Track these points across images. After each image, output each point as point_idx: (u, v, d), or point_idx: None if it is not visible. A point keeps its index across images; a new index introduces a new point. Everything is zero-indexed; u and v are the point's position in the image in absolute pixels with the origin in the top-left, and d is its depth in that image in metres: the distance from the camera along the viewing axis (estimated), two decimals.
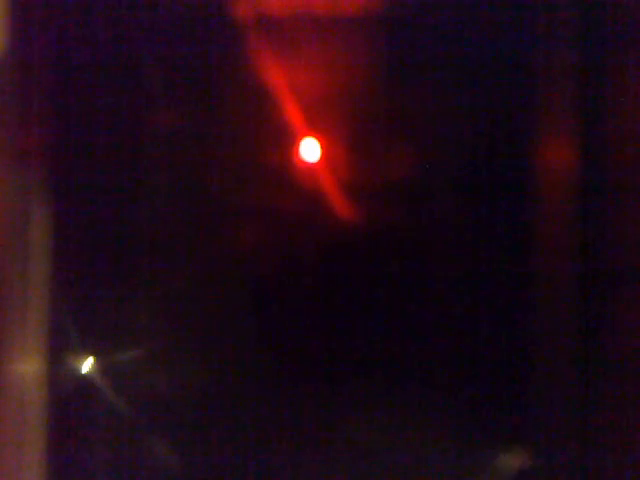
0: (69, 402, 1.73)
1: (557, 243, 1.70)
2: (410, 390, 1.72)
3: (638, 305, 1.60)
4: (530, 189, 1.72)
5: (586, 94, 1.69)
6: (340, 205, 1.74)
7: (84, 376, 1.73)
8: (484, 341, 1.72)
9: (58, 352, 1.72)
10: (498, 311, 1.72)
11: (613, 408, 1.63)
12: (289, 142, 1.75)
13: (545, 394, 1.69)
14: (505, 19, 1.71)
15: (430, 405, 1.71)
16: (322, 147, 1.76)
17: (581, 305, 1.68)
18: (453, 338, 1.73)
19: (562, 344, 1.68)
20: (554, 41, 1.71)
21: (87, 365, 1.74)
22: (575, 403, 1.67)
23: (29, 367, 1.70)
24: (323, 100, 1.74)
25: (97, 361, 1.74)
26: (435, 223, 1.76)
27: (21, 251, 1.70)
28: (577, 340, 1.67)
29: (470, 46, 1.71)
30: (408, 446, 1.70)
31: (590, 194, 1.67)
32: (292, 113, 1.73)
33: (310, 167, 1.76)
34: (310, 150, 1.75)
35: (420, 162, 1.76)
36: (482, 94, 1.73)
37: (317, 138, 1.75)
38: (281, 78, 1.73)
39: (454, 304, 1.74)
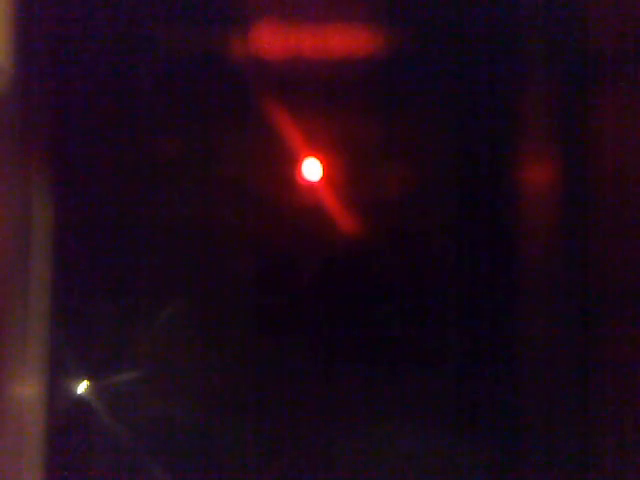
0: (68, 425, 1.72)
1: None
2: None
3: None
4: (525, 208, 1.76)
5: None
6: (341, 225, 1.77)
7: (83, 399, 1.72)
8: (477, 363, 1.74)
9: (57, 374, 1.71)
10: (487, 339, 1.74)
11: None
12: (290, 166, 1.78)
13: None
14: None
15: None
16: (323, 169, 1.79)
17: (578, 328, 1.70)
18: (445, 362, 1.75)
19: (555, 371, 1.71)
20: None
21: (86, 388, 1.73)
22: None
23: (28, 389, 1.69)
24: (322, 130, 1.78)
25: (96, 384, 1.72)
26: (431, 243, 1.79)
27: (22, 273, 1.69)
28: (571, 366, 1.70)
29: (460, 82, 1.77)
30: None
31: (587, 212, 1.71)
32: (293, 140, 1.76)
33: (311, 188, 1.78)
34: (311, 173, 1.79)
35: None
36: (473, 121, 1.77)
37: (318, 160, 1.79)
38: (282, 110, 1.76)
39: (449, 323, 1.75)
